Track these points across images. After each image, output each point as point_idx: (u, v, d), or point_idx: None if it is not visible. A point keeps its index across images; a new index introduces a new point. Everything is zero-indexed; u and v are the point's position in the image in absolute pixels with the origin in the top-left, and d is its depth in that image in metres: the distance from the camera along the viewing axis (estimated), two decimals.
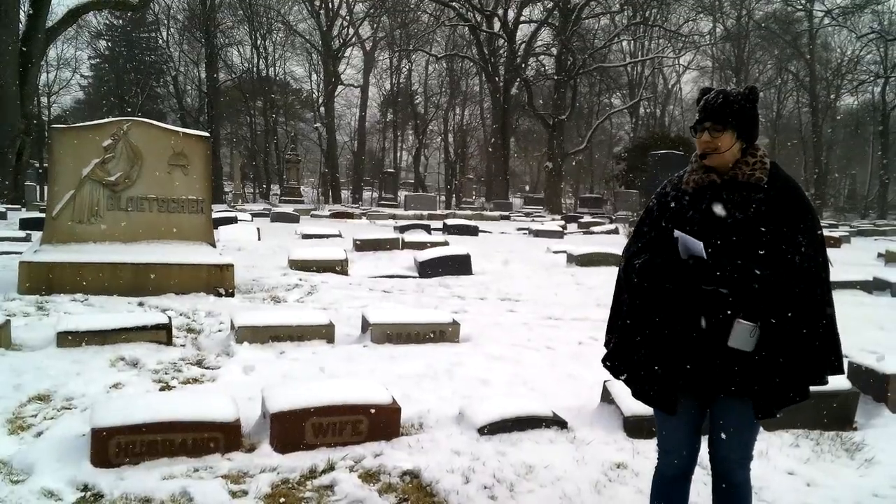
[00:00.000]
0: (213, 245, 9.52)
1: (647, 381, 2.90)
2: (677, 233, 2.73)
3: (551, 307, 9.43)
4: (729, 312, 2.68)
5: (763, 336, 2.66)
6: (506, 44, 41.97)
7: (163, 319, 6.64)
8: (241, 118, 52.03)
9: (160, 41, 49.17)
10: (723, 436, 2.89)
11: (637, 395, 2.99)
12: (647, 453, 4.39)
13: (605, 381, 5.08)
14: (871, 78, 48.03)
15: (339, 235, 17.27)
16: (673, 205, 2.90)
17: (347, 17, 47.26)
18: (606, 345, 3.12)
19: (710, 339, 2.72)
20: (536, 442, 4.60)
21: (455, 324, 7.29)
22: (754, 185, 2.79)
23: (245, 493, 3.83)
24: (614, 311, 3.12)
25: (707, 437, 3.01)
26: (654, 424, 3.21)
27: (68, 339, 6.09)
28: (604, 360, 3.10)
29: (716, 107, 2.80)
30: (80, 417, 4.62)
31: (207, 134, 9.85)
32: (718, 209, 2.77)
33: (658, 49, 48.33)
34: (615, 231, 23.63)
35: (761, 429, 4.90)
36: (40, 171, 36.75)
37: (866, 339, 8.01)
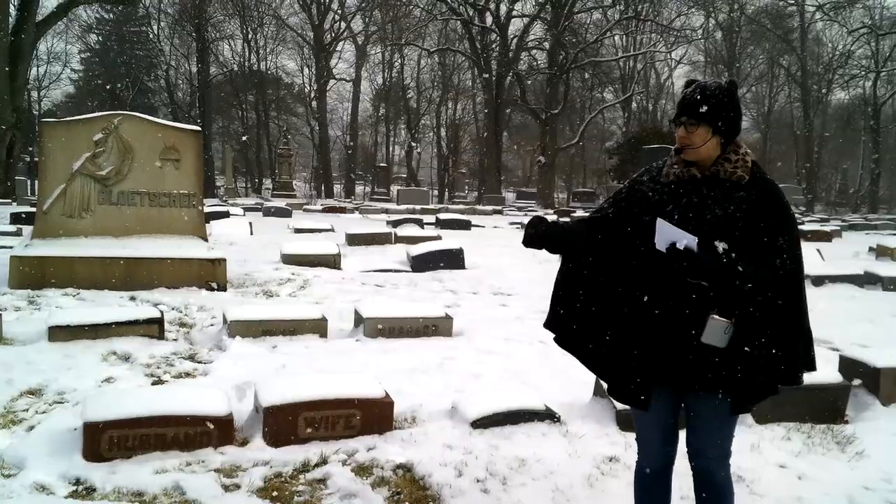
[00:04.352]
0: (205, 239, 9.49)
1: (620, 377, 2.90)
2: (660, 221, 2.68)
3: (544, 301, 9.35)
4: (701, 307, 2.67)
5: (737, 333, 2.64)
6: (498, 38, 41.89)
7: (155, 314, 6.63)
8: (233, 112, 51.88)
9: (151, 35, 49.08)
10: (697, 431, 2.88)
11: (611, 391, 3.00)
12: None
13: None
14: (863, 73, 48.09)
15: (332, 230, 17.25)
16: (651, 195, 2.86)
17: (339, 11, 47.18)
18: (557, 322, 3.10)
19: (684, 333, 2.71)
20: (529, 435, 4.61)
21: (448, 318, 7.29)
22: (735, 183, 2.76)
23: (238, 486, 3.83)
24: (565, 289, 3.08)
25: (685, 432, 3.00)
26: None
27: (60, 333, 6.07)
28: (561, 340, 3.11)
29: (692, 101, 2.77)
30: (72, 411, 4.61)
31: (199, 128, 9.82)
32: (698, 204, 2.76)
33: (650, 44, 48.31)
34: None
35: (753, 422, 4.95)
36: (31, 165, 36.54)
37: (857, 332, 8.06)
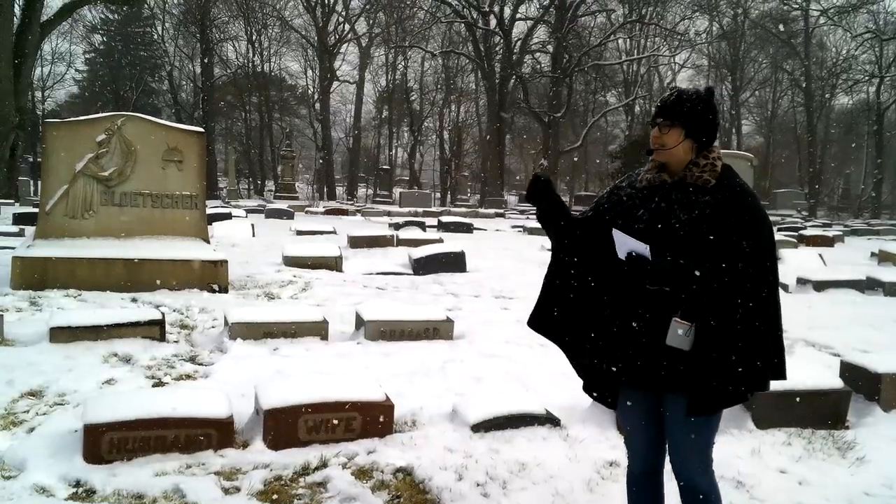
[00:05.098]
0: (207, 241, 9.50)
1: (591, 374, 3.05)
2: (615, 231, 2.74)
3: None
4: (667, 311, 2.68)
5: (700, 336, 2.64)
6: (502, 41, 41.93)
7: (156, 315, 6.63)
8: (237, 114, 51.91)
9: (155, 36, 49.09)
10: (674, 439, 2.88)
11: (585, 387, 3.16)
12: None
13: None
14: (866, 77, 48.03)
15: (334, 232, 17.26)
16: (625, 199, 2.94)
17: (343, 13, 47.17)
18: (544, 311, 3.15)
19: (651, 336, 2.73)
20: (529, 439, 4.61)
21: (449, 321, 7.29)
22: (701, 188, 2.77)
23: (238, 489, 3.83)
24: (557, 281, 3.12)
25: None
26: None
27: (61, 334, 6.07)
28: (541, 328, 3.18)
29: (667, 104, 2.82)
30: (72, 413, 4.61)
31: (202, 129, 9.84)
32: (665, 210, 2.79)
33: (654, 47, 48.25)
34: None
35: (754, 427, 4.95)
36: (34, 165, 36.59)
37: (858, 338, 8.05)
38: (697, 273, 2.61)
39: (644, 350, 2.75)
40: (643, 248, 2.65)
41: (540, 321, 3.13)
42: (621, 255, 2.73)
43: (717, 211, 2.70)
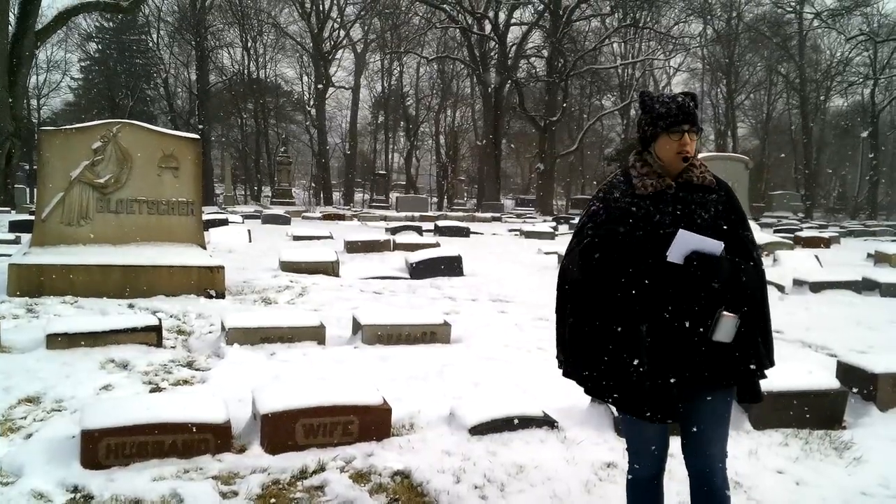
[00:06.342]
0: (204, 247, 9.50)
1: (647, 398, 2.76)
2: (684, 232, 2.67)
3: (542, 308, 9.44)
4: (712, 307, 2.73)
5: (740, 326, 2.74)
6: (497, 46, 42.02)
7: (153, 321, 6.63)
8: (232, 120, 51.94)
9: (150, 43, 49.06)
10: (703, 432, 2.89)
11: (631, 410, 2.83)
12: None
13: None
14: (861, 79, 48.23)
15: (331, 237, 17.26)
16: (633, 210, 2.81)
17: (338, 20, 47.24)
18: (571, 365, 2.99)
19: (696, 335, 2.75)
20: (527, 442, 4.61)
21: (446, 325, 7.29)
22: (707, 187, 2.88)
23: (235, 493, 3.82)
24: (570, 324, 2.96)
25: (680, 439, 3.00)
26: None
27: (58, 341, 6.07)
28: (589, 390, 2.97)
29: (692, 111, 2.85)
30: (69, 419, 4.61)
31: (197, 136, 9.85)
32: (686, 212, 2.81)
33: (649, 51, 48.42)
34: None
35: (751, 428, 4.96)
36: (30, 173, 36.58)
37: (855, 338, 8.06)
38: (743, 266, 2.76)
39: (698, 349, 2.77)
40: (717, 247, 2.68)
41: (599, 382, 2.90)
42: (676, 257, 2.68)
43: (724, 207, 2.87)
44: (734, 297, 2.74)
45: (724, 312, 2.69)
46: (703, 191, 2.87)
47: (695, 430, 2.91)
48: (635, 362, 2.75)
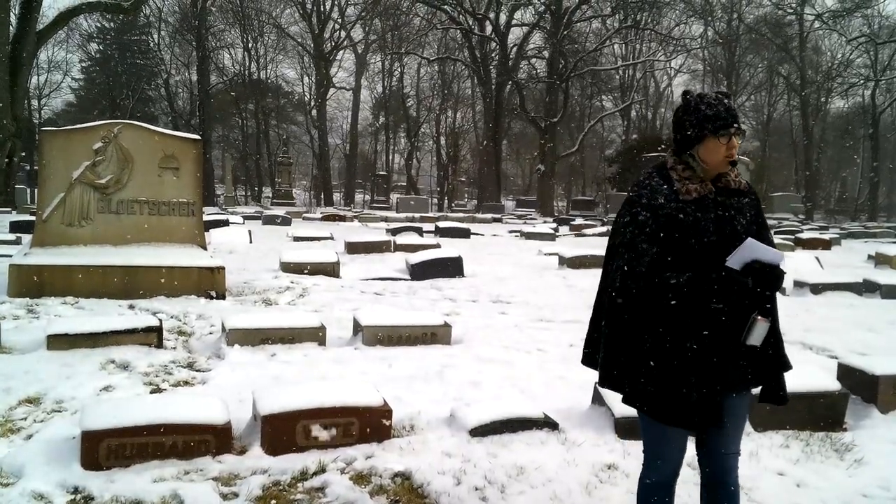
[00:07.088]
0: (205, 248, 9.50)
1: (696, 408, 2.76)
2: (752, 241, 2.67)
3: (543, 309, 9.45)
4: (747, 312, 2.75)
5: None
6: (497, 47, 42.02)
7: (153, 322, 6.63)
8: (233, 121, 51.94)
9: (151, 44, 49.10)
10: (727, 432, 2.91)
11: (677, 421, 2.82)
12: (637, 455, 4.37)
13: (595, 383, 5.08)
14: (861, 81, 48.18)
15: (331, 238, 17.26)
16: (681, 217, 2.75)
17: (339, 20, 47.22)
18: (609, 374, 2.95)
19: (734, 341, 2.76)
20: (527, 443, 4.60)
21: (446, 326, 7.29)
22: (742, 191, 2.88)
23: (236, 495, 3.82)
24: (618, 337, 2.89)
25: (696, 440, 3.02)
26: None
27: (58, 341, 6.07)
28: (628, 398, 2.93)
29: (736, 112, 2.82)
30: (70, 420, 4.60)
31: (198, 137, 9.85)
32: (727, 217, 2.80)
33: (649, 52, 48.43)
34: (607, 234, 23.63)
35: (752, 430, 4.95)
36: (31, 173, 36.58)
37: (856, 340, 8.06)
38: (785, 271, 2.80)
39: (739, 354, 2.80)
40: (779, 257, 2.70)
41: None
42: (735, 263, 2.66)
43: (755, 210, 2.90)
44: (770, 302, 2.79)
45: (759, 317, 2.71)
46: (738, 195, 2.86)
47: (727, 435, 2.93)
48: (689, 377, 2.73)
